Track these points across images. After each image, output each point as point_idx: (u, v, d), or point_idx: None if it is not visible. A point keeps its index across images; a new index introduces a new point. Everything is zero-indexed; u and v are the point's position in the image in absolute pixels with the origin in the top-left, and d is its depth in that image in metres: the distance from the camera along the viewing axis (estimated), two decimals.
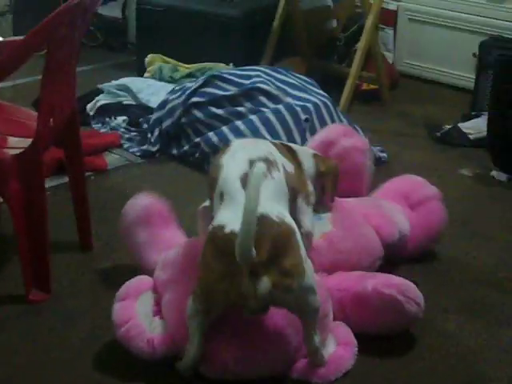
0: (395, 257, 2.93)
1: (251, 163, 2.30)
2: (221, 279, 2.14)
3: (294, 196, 2.49)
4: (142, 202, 2.82)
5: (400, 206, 3.04)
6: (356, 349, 2.46)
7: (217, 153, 2.61)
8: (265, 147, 2.49)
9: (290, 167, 2.52)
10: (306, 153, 2.82)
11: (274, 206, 2.22)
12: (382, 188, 3.17)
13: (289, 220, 2.23)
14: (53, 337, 2.60)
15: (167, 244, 2.72)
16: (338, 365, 2.40)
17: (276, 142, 2.72)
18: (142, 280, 2.61)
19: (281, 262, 2.13)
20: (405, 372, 2.47)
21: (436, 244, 3.11)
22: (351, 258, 2.74)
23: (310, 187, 2.69)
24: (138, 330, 2.42)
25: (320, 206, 2.80)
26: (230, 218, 2.17)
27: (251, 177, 2.05)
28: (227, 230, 2.14)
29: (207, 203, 2.56)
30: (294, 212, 2.48)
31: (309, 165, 2.77)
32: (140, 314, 2.46)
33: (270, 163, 2.36)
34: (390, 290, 2.49)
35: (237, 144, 2.53)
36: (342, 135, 3.16)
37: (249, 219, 2.04)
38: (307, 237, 2.57)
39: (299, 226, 2.42)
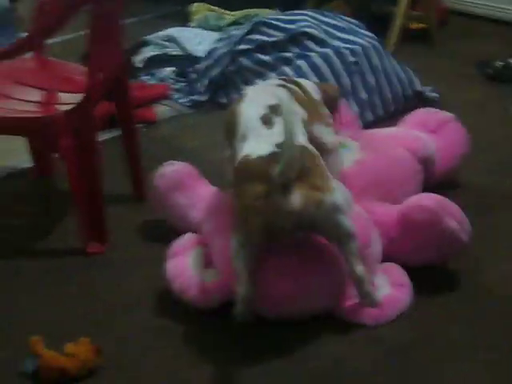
0: (428, 178, 2.94)
1: (270, 107, 2.39)
2: (255, 199, 2.21)
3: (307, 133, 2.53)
4: (172, 168, 2.88)
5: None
6: (411, 290, 2.47)
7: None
8: (278, 93, 2.45)
9: (302, 112, 2.52)
10: (309, 83, 2.85)
11: (298, 137, 2.28)
12: (398, 124, 3.21)
13: (310, 146, 2.34)
14: (111, 286, 2.66)
15: (204, 201, 2.77)
16: (392, 306, 2.42)
17: (287, 83, 2.70)
18: (190, 237, 2.66)
19: (310, 179, 2.22)
20: (464, 311, 2.48)
21: (459, 168, 3.12)
22: (388, 177, 2.77)
23: (325, 110, 2.73)
24: (192, 281, 2.47)
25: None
26: (255, 147, 2.29)
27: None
28: (254, 155, 2.25)
29: (228, 152, 2.57)
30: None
31: (316, 92, 2.79)
32: (192, 268, 2.52)
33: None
34: (432, 204, 2.51)
35: (252, 92, 2.60)
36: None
37: (290, 140, 2.14)
38: (333, 150, 2.63)
39: (322, 146, 2.52)
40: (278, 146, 2.22)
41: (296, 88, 2.66)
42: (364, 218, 2.54)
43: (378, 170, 2.78)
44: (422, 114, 3.21)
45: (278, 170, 2.16)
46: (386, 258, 2.58)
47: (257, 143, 2.30)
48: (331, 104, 2.82)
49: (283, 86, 2.61)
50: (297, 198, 2.20)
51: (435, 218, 2.49)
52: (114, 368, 2.29)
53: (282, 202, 2.19)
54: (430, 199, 2.54)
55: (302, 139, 2.33)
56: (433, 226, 2.49)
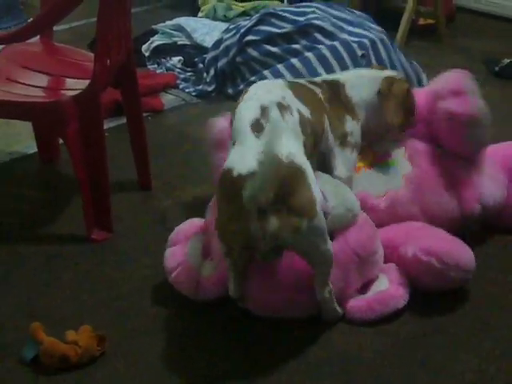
0: (489, 223, 2.79)
1: (263, 109, 2.25)
2: (229, 221, 2.15)
3: (315, 139, 2.40)
4: (220, 123, 2.72)
5: (499, 171, 2.82)
6: (408, 289, 2.45)
7: None
8: (279, 92, 2.39)
9: (306, 111, 2.40)
10: (361, 81, 2.66)
11: (284, 148, 2.15)
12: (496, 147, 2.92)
13: (299, 160, 2.18)
14: (114, 274, 2.66)
15: None
16: (387, 303, 2.40)
17: (300, 82, 2.60)
18: (192, 223, 2.64)
19: (289, 202, 2.10)
20: (464, 307, 2.47)
21: None
22: (415, 221, 2.62)
23: (349, 127, 2.57)
24: (189, 274, 2.47)
25: (384, 142, 2.71)
26: (237, 161, 2.15)
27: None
28: (235, 173, 2.12)
29: None
30: (323, 155, 2.47)
31: (362, 94, 2.63)
32: (190, 258, 2.50)
33: (282, 108, 2.29)
34: (429, 258, 2.41)
35: (252, 90, 2.42)
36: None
37: (267, 165, 2.05)
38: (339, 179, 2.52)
39: (332, 171, 2.45)
40: (260, 163, 2.09)
41: (317, 88, 2.55)
42: (370, 226, 2.49)
43: (407, 215, 2.61)
44: None
45: (248, 194, 2.06)
46: None
47: (241, 155, 2.16)
48: (385, 104, 2.62)
49: (293, 84, 2.50)
50: (272, 223, 2.09)
51: (443, 274, 2.41)
52: (115, 356, 2.28)
53: (256, 227, 2.10)
54: (428, 253, 2.41)
55: (291, 150, 2.17)
56: (434, 278, 2.43)
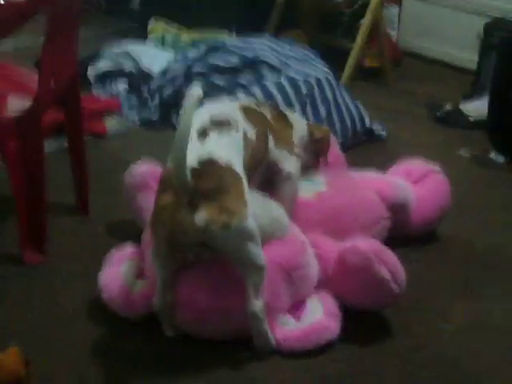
0: (400, 227, 2.94)
1: (212, 121, 2.38)
2: (161, 210, 2.23)
3: (254, 161, 2.52)
4: (140, 168, 2.87)
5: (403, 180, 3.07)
6: (340, 321, 2.46)
7: None
8: (230, 110, 2.53)
9: (252, 133, 2.52)
10: (299, 120, 2.92)
11: (225, 156, 2.28)
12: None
13: (238, 169, 2.31)
14: (47, 297, 2.62)
15: None
16: (321, 333, 2.41)
17: (252, 104, 2.74)
18: (125, 249, 2.68)
19: (222, 200, 2.20)
20: (391, 347, 2.48)
21: (442, 218, 3.10)
22: (346, 215, 2.77)
23: (295, 141, 2.77)
24: (121, 290, 2.49)
25: (313, 170, 2.92)
26: (176, 157, 2.21)
27: (185, 101, 2.10)
28: (168, 164, 2.25)
29: None
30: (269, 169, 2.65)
31: (302, 130, 2.86)
32: (123, 278, 2.53)
33: (230, 123, 2.42)
34: (366, 248, 2.48)
35: (205, 105, 2.53)
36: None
37: (181, 140, 2.13)
38: (289, 178, 2.69)
39: (280, 171, 2.62)
40: (201, 163, 2.22)
41: (266, 110, 2.70)
42: (299, 241, 2.54)
43: (337, 205, 2.78)
44: (407, 163, 3.19)
45: (180, 183, 2.17)
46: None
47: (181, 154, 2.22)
48: (317, 146, 2.90)
49: (246, 107, 2.62)
50: (201, 216, 2.17)
51: (366, 263, 2.45)
52: (42, 381, 2.24)
53: (186, 217, 2.18)
54: (366, 244, 2.51)
55: (231, 159, 2.30)
56: (363, 270, 2.46)
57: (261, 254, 2.28)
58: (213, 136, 2.34)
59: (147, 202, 2.75)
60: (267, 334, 2.36)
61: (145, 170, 2.86)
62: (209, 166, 2.23)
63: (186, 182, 2.16)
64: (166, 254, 2.30)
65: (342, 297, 2.53)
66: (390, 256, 2.50)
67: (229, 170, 2.27)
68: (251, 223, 2.25)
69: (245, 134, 2.47)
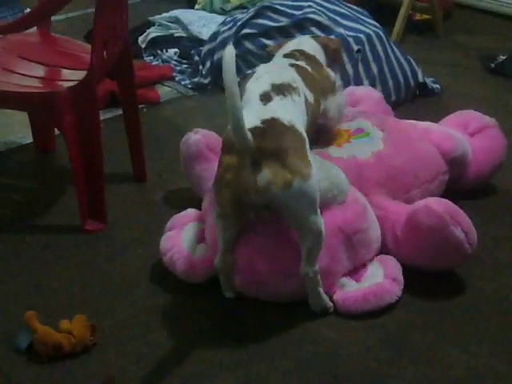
0: (457, 181, 2.91)
1: (273, 86, 2.39)
2: (226, 171, 2.23)
3: (312, 120, 2.55)
4: (195, 138, 2.87)
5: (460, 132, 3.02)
6: (402, 286, 2.45)
7: None
8: (289, 74, 2.53)
9: (311, 98, 2.54)
10: (315, 47, 2.86)
11: (288, 117, 2.28)
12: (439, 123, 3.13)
13: (300, 129, 2.31)
14: (109, 264, 2.67)
15: None
16: (382, 296, 2.41)
17: (298, 59, 2.70)
18: (188, 212, 2.70)
19: (285, 158, 2.18)
20: (454, 304, 2.48)
21: (497, 173, 3.06)
22: (406, 173, 2.73)
23: (333, 77, 2.78)
24: (181, 255, 2.52)
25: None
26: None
27: (224, 62, 2.09)
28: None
29: None
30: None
31: (321, 54, 2.84)
32: (184, 242, 2.56)
33: (292, 88, 2.43)
34: (439, 208, 2.44)
35: (262, 69, 2.58)
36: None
37: (269, 123, 2.18)
38: (339, 87, 2.77)
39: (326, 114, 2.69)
40: (264, 122, 2.21)
41: (304, 65, 2.66)
42: (360, 205, 2.53)
43: (396, 165, 2.73)
44: (464, 115, 3.13)
45: (243, 143, 2.15)
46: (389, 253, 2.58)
47: (245, 116, 2.18)
48: (333, 56, 2.90)
49: (294, 66, 2.62)
50: (264, 175, 2.17)
51: (441, 224, 2.42)
52: (109, 345, 2.29)
53: (250, 177, 2.17)
54: (440, 204, 2.47)
55: (295, 120, 2.30)
56: (437, 231, 2.43)
57: (320, 219, 2.27)
58: (276, 100, 2.34)
59: (204, 171, 2.81)
60: (321, 296, 2.37)
61: (199, 138, 2.86)
62: (272, 124, 2.22)
63: (246, 141, 2.14)
64: (229, 215, 2.31)
65: (412, 258, 2.52)
66: (463, 216, 2.46)
67: (292, 129, 2.26)
68: (313, 185, 2.23)
69: (306, 99, 2.49)
